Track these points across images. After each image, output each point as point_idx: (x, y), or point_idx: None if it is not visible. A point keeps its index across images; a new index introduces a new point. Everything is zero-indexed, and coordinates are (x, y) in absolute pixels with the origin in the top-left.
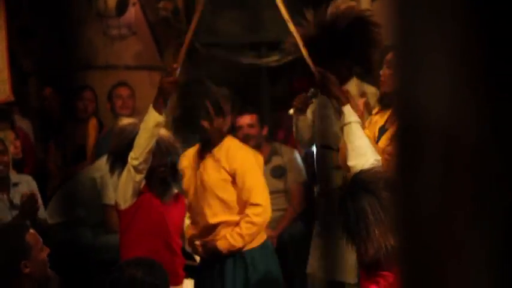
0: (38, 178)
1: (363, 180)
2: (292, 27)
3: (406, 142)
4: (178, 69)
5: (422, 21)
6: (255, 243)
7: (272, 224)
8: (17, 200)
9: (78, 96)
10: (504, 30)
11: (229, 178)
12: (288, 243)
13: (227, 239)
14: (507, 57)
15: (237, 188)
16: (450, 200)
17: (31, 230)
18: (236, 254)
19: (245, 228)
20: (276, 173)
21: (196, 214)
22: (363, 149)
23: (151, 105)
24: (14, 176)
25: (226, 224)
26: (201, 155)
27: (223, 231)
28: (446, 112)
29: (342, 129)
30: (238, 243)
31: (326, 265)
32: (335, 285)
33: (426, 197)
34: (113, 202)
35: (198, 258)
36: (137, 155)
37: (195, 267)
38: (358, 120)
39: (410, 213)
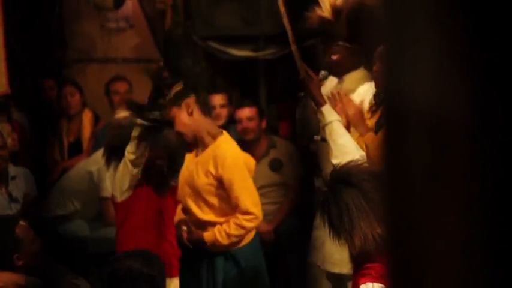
0: (35, 171)
1: (342, 175)
2: (286, 21)
3: (393, 126)
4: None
5: (409, 5)
6: (246, 241)
7: (269, 217)
8: (15, 193)
9: (59, 94)
10: (490, 11)
11: (216, 183)
12: (284, 236)
13: (214, 233)
14: (493, 37)
15: (225, 194)
16: (438, 183)
17: (21, 223)
18: (225, 252)
19: (233, 230)
20: (274, 166)
21: (186, 208)
22: (347, 147)
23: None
24: (11, 169)
25: (217, 223)
26: (196, 153)
27: (212, 227)
28: (432, 94)
29: (323, 129)
30: (223, 240)
31: (321, 255)
32: (335, 276)
33: (414, 181)
34: (109, 195)
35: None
36: (134, 149)
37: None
38: (339, 118)
39: (399, 198)
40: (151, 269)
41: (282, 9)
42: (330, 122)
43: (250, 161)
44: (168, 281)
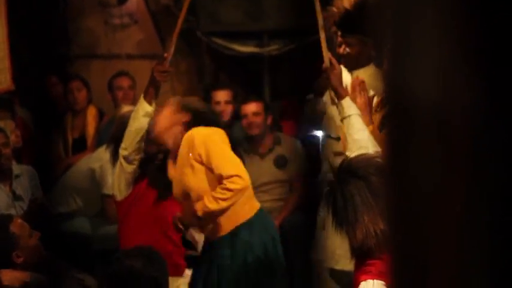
0: (39, 167)
1: (350, 166)
2: (318, 7)
3: (397, 123)
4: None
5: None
6: (247, 215)
7: (274, 214)
8: (19, 191)
9: (66, 89)
10: (497, 7)
11: (202, 167)
12: (289, 233)
13: (203, 202)
14: (501, 33)
15: (210, 170)
16: (445, 182)
17: (16, 220)
18: (230, 232)
19: (220, 193)
20: (279, 162)
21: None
22: (363, 141)
23: (141, 94)
24: (15, 167)
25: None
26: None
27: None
28: (437, 91)
29: (342, 121)
30: (212, 205)
31: (324, 252)
32: (339, 273)
33: (421, 179)
34: (111, 192)
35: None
36: (127, 145)
37: (196, 257)
38: (358, 112)
39: (403, 197)
40: (153, 269)
41: None
42: (349, 116)
43: (219, 131)
44: (174, 279)
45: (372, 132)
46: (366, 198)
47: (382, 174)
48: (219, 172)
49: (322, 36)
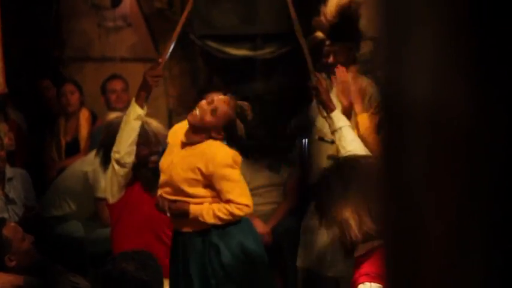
0: (32, 171)
1: (350, 160)
2: (298, 29)
3: (391, 123)
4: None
5: (409, 1)
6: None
7: (266, 218)
8: (12, 195)
9: (59, 92)
10: (493, 8)
11: (202, 180)
12: (282, 237)
13: (201, 209)
14: (497, 38)
15: (214, 190)
16: (440, 184)
17: (9, 223)
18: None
19: (222, 213)
20: (272, 166)
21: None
22: (356, 152)
23: (133, 98)
24: (8, 171)
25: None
26: (183, 144)
27: (200, 200)
28: (432, 91)
29: (333, 134)
30: (209, 219)
31: (312, 258)
32: (325, 278)
33: (414, 182)
34: (104, 196)
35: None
36: (119, 149)
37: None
38: (348, 123)
39: (397, 197)
40: (145, 274)
41: (293, 14)
42: (340, 128)
43: (237, 156)
44: (167, 281)
45: (362, 119)
46: (332, 184)
47: (365, 171)
48: (229, 197)
49: (307, 53)
